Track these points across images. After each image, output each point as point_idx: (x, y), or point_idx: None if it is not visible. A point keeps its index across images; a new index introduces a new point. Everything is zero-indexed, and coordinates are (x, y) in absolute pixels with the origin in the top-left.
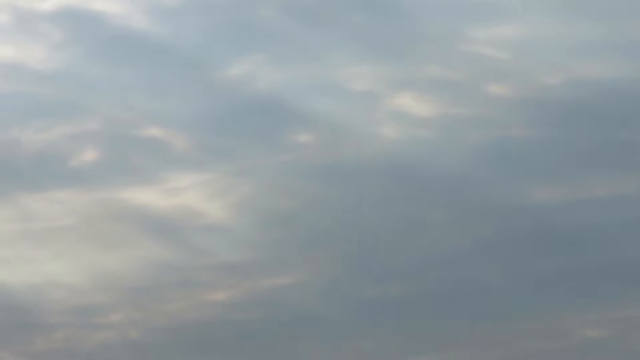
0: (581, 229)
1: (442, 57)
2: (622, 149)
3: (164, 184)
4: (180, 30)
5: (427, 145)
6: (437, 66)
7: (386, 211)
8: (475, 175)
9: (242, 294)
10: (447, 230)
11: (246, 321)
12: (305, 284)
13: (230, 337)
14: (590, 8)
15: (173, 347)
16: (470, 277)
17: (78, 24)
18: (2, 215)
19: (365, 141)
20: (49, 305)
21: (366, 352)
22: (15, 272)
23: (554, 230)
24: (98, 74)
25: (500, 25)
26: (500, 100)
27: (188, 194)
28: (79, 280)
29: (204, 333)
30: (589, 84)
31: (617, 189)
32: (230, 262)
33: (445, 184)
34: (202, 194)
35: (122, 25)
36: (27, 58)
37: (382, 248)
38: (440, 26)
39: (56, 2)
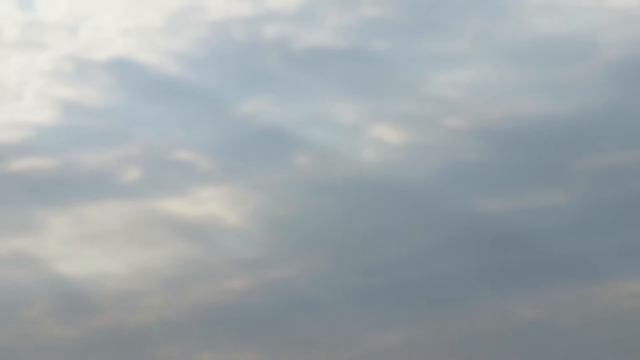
0: (520, 232)
1: (410, 97)
2: (551, 169)
3: (192, 196)
4: (205, 74)
5: (399, 166)
6: (407, 103)
7: (367, 218)
8: (437, 190)
9: (254, 283)
10: (415, 232)
11: (257, 304)
12: (304, 276)
13: (244, 316)
14: (528, 56)
15: (199, 325)
16: (433, 269)
17: (126, 71)
18: (64, 221)
19: (350, 163)
20: (101, 292)
21: (353, 328)
22: (75, 267)
23: (498, 233)
24: (140, 110)
25: (456, 70)
26: (456, 130)
27: (211, 204)
28: (125, 272)
29: (224, 314)
30: (525, 118)
31: (548, 201)
32: (244, 258)
33: (413, 196)
34: (222, 204)
35: (159, 72)
36: (85, 97)
37: (364, 247)
38: (409, 72)
39: (109, 53)
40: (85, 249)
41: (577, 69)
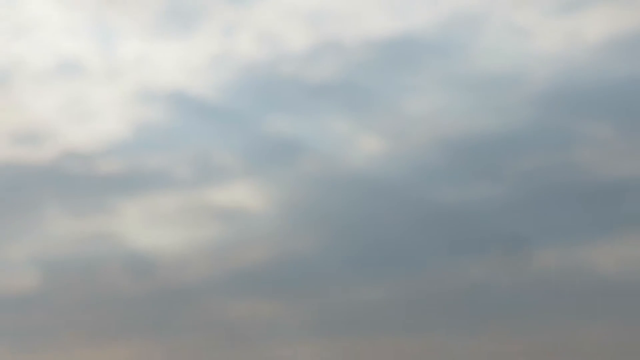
0: (470, 215)
1: (388, 116)
2: (491, 169)
3: (227, 189)
4: (237, 101)
5: (379, 167)
6: (386, 121)
7: (356, 205)
8: (408, 185)
9: (272, 253)
10: (392, 216)
11: (275, 269)
12: (310, 248)
13: (265, 277)
14: (475, 86)
15: (232, 283)
16: (406, 243)
17: (179, 98)
18: (134, 208)
19: (343, 164)
20: (161, 260)
21: (345, 284)
22: (141, 241)
23: (454, 216)
24: (190, 127)
25: (422, 97)
26: (422, 141)
27: (240, 195)
28: (178, 245)
29: (250, 275)
30: (472, 132)
31: (489, 192)
32: (265, 234)
33: (390, 190)
34: (249, 195)
35: (204, 99)
36: (150, 117)
37: (356, 227)
38: (388, 99)
39: (167, 85)
40: (149, 228)
41: (511, 96)
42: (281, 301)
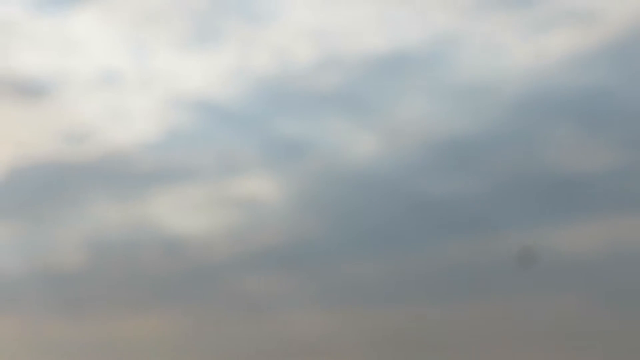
0: (449, 203)
1: (381, 121)
2: (467, 163)
3: (245, 181)
4: (254, 106)
5: (371, 164)
6: (379, 125)
7: (354, 195)
8: (395, 178)
9: (283, 234)
10: (381, 203)
11: (286, 250)
12: (314, 229)
13: (279, 254)
14: (458, 94)
15: (252, 261)
16: (394, 230)
17: (206, 104)
18: (168, 196)
19: (342, 161)
20: (192, 241)
21: (344, 260)
22: (174, 225)
23: (433, 204)
24: (214, 128)
25: (411, 105)
26: (410, 142)
27: (256, 186)
28: (206, 228)
29: (267, 255)
30: (452, 133)
31: (465, 184)
32: (277, 219)
33: (381, 182)
34: (263, 186)
35: (226, 105)
36: (181, 122)
37: (351, 215)
38: (380, 106)
39: (195, 93)
40: (179, 215)
41: (488, 102)
42: (291, 276)
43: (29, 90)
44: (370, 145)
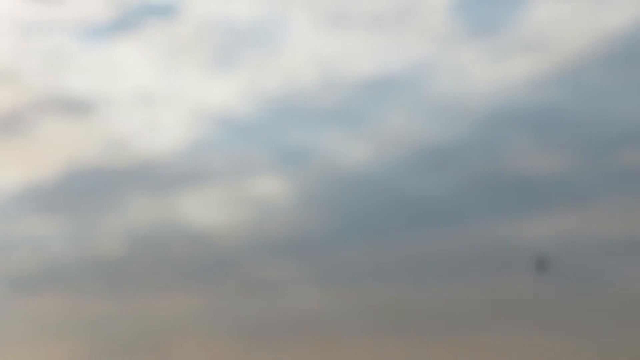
0: (424, 199)
1: (371, 132)
2: (440, 163)
3: (260, 180)
4: (270, 119)
5: (364, 168)
6: (369, 135)
7: (350, 194)
8: (382, 180)
9: (291, 225)
10: (370, 199)
11: (292, 238)
12: (315, 225)
13: (287, 244)
14: (435, 110)
15: (264, 248)
16: (381, 220)
17: (227, 117)
18: (194, 196)
19: (339, 165)
20: (214, 233)
21: (339, 246)
22: (197, 220)
23: (412, 199)
24: (230, 138)
25: (395, 117)
26: (395, 151)
27: (270, 186)
28: (226, 222)
29: (277, 243)
30: (427, 142)
31: (434, 181)
32: (287, 213)
33: (370, 183)
34: (276, 187)
35: (240, 118)
36: (205, 132)
37: (346, 209)
38: (373, 119)
39: (219, 107)
40: (203, 210)
41: (459, 116)
42: (295, 261)
43: (78, 107)
44: (362, 151)
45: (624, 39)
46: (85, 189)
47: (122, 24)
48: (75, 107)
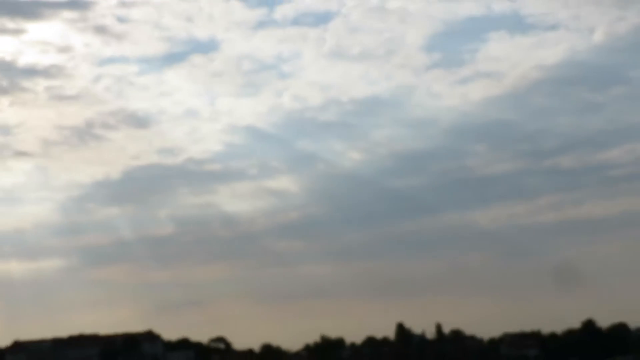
0: (405, 195)
1: (360, 145)
2: (420, 167)
3: (277, 179)
4: (280, 130)
5: (357, 170)
6: (360, 147)
7: (348, 189)
8: (370, 180)
9: (300, 212)
10: (362, 192)
11: (302, 223)
12: (320, 213)
13: (298, 228)
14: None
15: (280, 230)
16: (371, 210)
17: (254, 131)
18: (225, 190)
19: (338, 167)
20: (241, 217)
21: (336, 230)
22: (231, 208)
23: (394, 196)
24: (254, 145)
25: (378, 137)
26: (383, 157)
27: (284, 183)
28: (252, 209)
29: (290, 226)
30: (405, 151)
31: (419, 183)
32: (297, 204)
33: (361, 180)
34: (288, 183)
35: (262, 130)
36: (235, 141)
37: (344, 200)
38: (366, 136)
39: (246, 124)
40: (233, 201)
41: (430, 129)
42: (305, 241)
43: (138, 121)
44: (355, 155)
45: (558, 69)
46: (143, 184)
47: (173, 57)
48: (136, 121)
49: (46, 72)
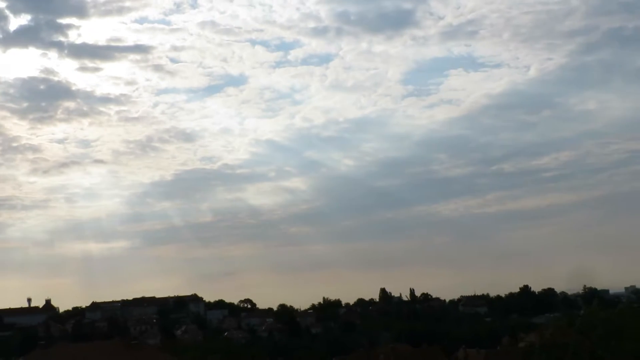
0: (387, 193)
1: (351, 155)
2: (397, 172)
3: (290, 180)
4: (294, 143)
5: (351, 173)
6: (350, 157)
7: (344, 187)
8: (360, 181)
9: (306, 206)
10: (353, 190)
11: (309, 213)
12: (323, 205)
13: (307, 217)
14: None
15: (293, 219)
16: (361, 203)
17: (270, 143)
18: (252, 189)
19: (338, 169)
20: (262, 210)
21: (334, 220)
22: (256, 201)
23: (379, 192)
24: (273, 155)
25: (368, 144)
26: (371, 160)
27: (295, 182)
28: (271, 204)
29: (300, 216)
30: (385, 159)
31: (396, 183)
32: (306, 199)
33: (352, 181)
34: (298, 183)
35: (279, 143)
36: (260, 154)
37: (341, 196)
38: (364, 146)
39: (264, 138)
40: (257, 197)
41: (405, 143)
42: (311, 227)
43: (185, 136)
44: (349, 163)
45: (501, 97)
46: (189, 184)
47: (212, 88)
48: (184, 136)
49: (117, 100)
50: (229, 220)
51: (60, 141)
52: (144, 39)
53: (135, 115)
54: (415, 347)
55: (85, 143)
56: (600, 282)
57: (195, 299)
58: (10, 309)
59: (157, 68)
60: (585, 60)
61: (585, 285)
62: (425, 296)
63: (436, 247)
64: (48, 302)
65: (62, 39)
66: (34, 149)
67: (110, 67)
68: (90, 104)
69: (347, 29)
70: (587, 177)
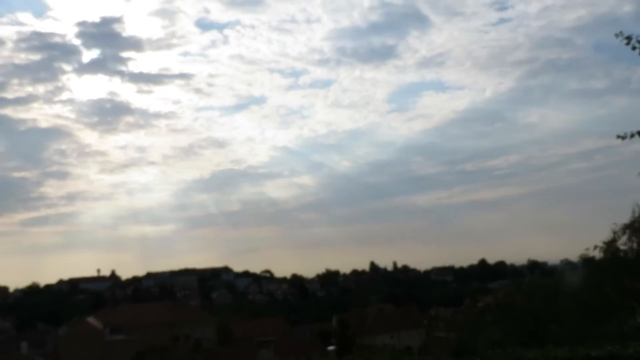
0: (378, 187)
1: (348, 159)
2: (387, 171)
3: (300, 178)
4: (304, 149)
5: (349, 173)
6: (347, 159)
7: (344, 184)
8: (356, 179)
9: (314, 199)
10: (350, 186)
11: (314, 204)
12: (326, 198)
13: (312, 207)
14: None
15: (302, 208)
16: (356, 196)
17: (284, 150)
18: (271, 185)
19: (338, 170)
20: (281, 201)
21: (333, 212)
22: (273, 193)
23: (367, 185)
24: (287, 159)
25: (360, 150)
26: (366, 161)
27: (303, 180)
28: (287, 196)
29: (308, 205)
30: (374, 162)
31: (387, 180)
32: (312, 192)
33: (349, 179)
34: (305, 181)
35: (292, 149)
36: (274, 157)
37: (340, 190)
38: (360, 150)
39: (280, 145)
40: (276, 191)
41: (389, 150)
42: (317, 214)
43: (219, 144)
44: (346, 164)
45: (464, 112)
46: (222, 181)
47: (240, 106)
48: (218, 144)
49: (166, 115)
50: (253, 209)
51: (122, 147)
52: (187, 68)
53: (180, 127)
54: (397, 306)
55: (141, 149)
56: (541, 255)
57: (226, 270)
58: (83, 277)
59: (197, 90)
60: (529, 84)
61: (529, 259)
62: (405, 267)
63: (413, 229)
64: (113, 272)
65: (123, 68)
66: (102, 153)
67: (160, 90)
68: (145, 119)
69: (345, 60)
70: (531, 174)
